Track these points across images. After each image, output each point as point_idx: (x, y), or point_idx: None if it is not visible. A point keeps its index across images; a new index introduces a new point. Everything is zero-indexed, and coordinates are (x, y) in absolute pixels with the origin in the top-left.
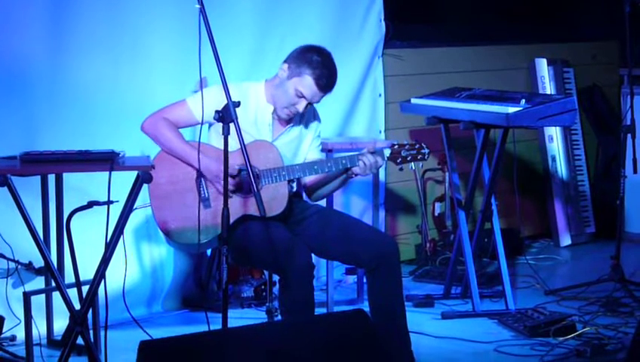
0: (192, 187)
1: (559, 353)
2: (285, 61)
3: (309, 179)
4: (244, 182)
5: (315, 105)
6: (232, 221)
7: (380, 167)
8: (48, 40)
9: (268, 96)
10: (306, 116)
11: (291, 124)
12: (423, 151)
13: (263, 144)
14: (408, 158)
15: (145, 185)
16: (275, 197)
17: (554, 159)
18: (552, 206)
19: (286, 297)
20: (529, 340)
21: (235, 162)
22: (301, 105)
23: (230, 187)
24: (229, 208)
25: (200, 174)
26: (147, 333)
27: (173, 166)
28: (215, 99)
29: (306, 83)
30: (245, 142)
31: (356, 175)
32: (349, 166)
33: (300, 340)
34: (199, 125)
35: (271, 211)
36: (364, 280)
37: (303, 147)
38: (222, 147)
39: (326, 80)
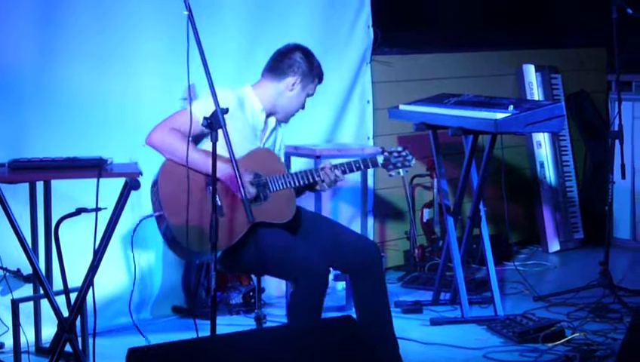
0: (205, 196)
1: (548, 359)
2: (291, 75)
3: None
4: (258, 189)
5: (301, 110)
6: (245, 230)
7: (340, 181)
8: (36, 47)
9: (262, 102)
10: (275, 122)
11: (273, 128)
12: (408, 157)
13: (265, 152)
14: (398, 165)
15: (145, 195)
16: (284, 203)
17: (542, 165)
18: (540, 212)
19: (301, 301)
20: (518, 346)
21: (242, 170)
22: (305, 103)
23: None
24: (241, 217)
25: (210, 183)
26: (146, 338)
27: (180, 175)
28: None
29: (315, 85)
30: (242, 149)
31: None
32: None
33: (289, 347)
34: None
35: (283, 217)
36: None
37: (277, 151)
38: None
39: (323, 72)
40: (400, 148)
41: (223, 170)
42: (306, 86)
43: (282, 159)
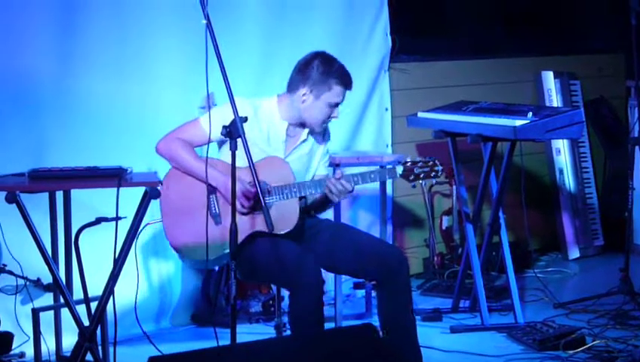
0: (204, 204)
1: None
2: (301, 86)
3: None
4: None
5: (335, 119)
6: (242, 237)
7: (350, 192)
8: (55, 56)
9: (283, 113)
10: (307, 133)
11: (304, 139)
12: (436, 168)
13: (275, 160)
14: (421, 176)
15: (156, 202)
16: (285, 214)
17: (561, 172)
18: (560, 219)
19: (295, 312)
20: (538, 354)
21: (246, 179)
22: (336, 112)
23: (244, 210)
24: (240, 225)
25: (211, 191)
26: (157, 349)
27: (184, 182)
28: (229, 117)
29: (337, 91)
30: (257, 158)
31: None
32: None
33: (308, 355)
34: (213, 143)
35: (282, 228)
36: (373, 294)
37: (313, 162)
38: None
39: (348, 77)
40: (428, 158)
41: (218, 179)
42: (320, 95)
43: (320, 172)
